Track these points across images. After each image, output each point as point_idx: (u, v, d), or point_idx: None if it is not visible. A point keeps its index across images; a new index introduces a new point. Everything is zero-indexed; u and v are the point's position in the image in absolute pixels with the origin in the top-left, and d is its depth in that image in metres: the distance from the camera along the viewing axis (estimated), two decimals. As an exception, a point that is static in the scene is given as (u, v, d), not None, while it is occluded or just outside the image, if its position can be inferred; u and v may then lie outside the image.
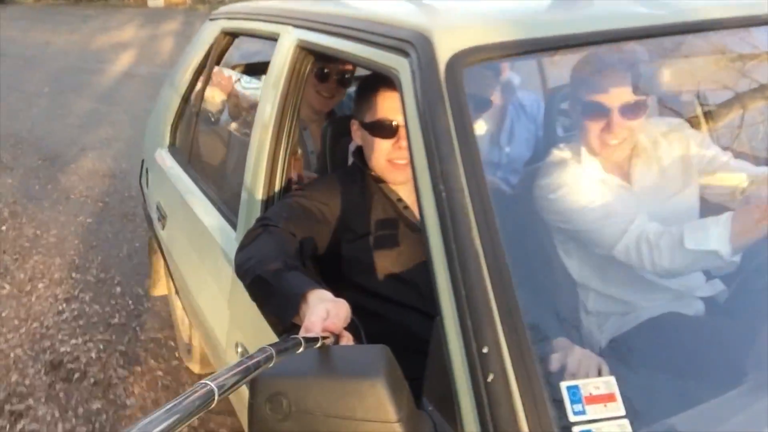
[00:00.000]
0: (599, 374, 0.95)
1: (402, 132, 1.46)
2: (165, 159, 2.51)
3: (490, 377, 0.83)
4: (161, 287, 3.11)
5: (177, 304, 2.91)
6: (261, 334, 1.55)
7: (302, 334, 0.98)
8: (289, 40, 1.65)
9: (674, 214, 1.57)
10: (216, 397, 0.66)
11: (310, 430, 0.86)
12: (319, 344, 0.90)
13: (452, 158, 1.00)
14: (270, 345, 0.82)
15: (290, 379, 0.87)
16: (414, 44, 1.15)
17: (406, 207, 1.54)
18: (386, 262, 1.48)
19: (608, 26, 1.21)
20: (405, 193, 1.56)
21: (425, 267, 1.47)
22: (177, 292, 2.52)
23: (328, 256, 1.50)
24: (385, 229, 1.51)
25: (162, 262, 2.99)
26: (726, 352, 1.27)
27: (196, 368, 2.74)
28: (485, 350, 0.85)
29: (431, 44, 1.13)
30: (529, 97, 2.35)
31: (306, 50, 1.60)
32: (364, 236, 1.50)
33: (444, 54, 1.11)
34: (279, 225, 1.39)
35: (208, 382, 0.67)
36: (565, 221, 1.54)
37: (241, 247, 1.40)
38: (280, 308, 1.14)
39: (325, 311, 1.01)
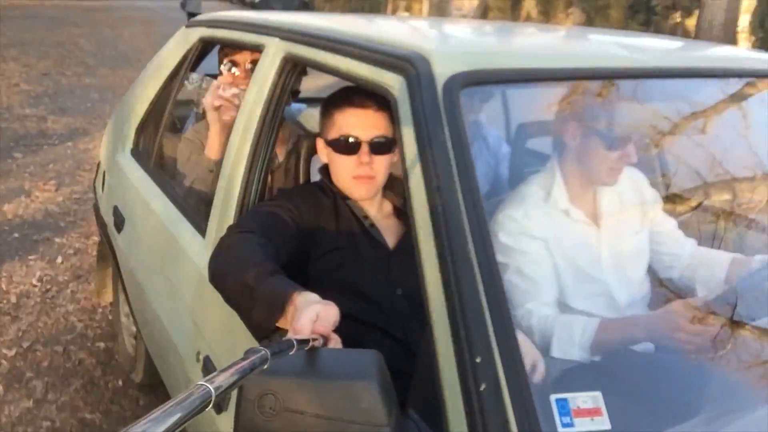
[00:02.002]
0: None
1: (364, 148, 1.50)
2: (127, 162, 2.46)
3: (483, 386, 0.85)
4: (107, 294, 3.02)
5: (123, 312, 2.83)
6: (227, 343, 1.53)
7: (291, 335, 0.98)
8: (275, 52, 1.67)
9: (630, 255, 1.65)
10: (213, 398, 0.66)
11: (298, 430, 0.86)
12: (309, 346, 0.91)
13: (450, 174, 1.03)
14: (264, 347, 0.82)
15: (280, 378, 0.87)
16: (412, 63, 1.18)
17: (372, 225, 1.56)
18: (350, 280, 1.49)
19: (601, 65, 1.28)
20: (371, 209, 1.58)
21: (388, 286, 1.51)
22: (127, 300, 2.45)
23: (295, 268, 1.50)
24: (350, 246, 1.52)
25: (110, 269, 2.91)
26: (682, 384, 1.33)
27: (138, 378, 2.65)
28: (478, 360, 0.87)
29: (429, 64, 1.17)
30: (492, 133, 2.42)
31: (292, 62, 1.62)
32: (330, 252, 1.51)
33: (442, 74, 1.14)
34: (254, 231, 1.39)
35: (205, 383, 0.66)
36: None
37: (217, 254, 1.38)
38: (264, 311, 1.14)
39: (314, 313, 1.01)
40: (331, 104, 1.57)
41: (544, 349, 1.38)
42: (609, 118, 1.56)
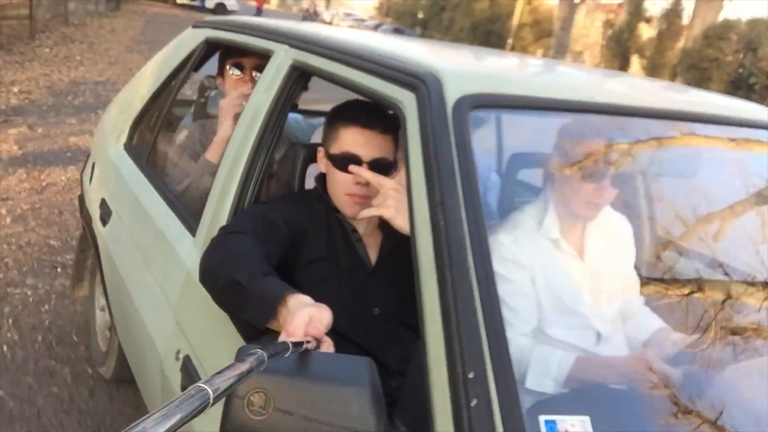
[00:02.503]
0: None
1: (364, 168, 1.49)
2: (120, 156, 2.44)
3: (474, 402, 0.85)
4: (83, 289, 2.98)
5: (98, 306, 2.79)
6: (209, 343, 1.52)
7: (284, 338, 0.98)
8: (283, 58, 1.68)
9: (609, 295, 1.67)
10: (211, 400, 0.66)
11: (287, 431, 0.85)
12: (302, 348, 0.91)
13: (454, 192, 1.04)
14: (260, 348, 0.82)
15: (272, 378, 0.87)
16: (424, 80, 1.20)
17: (359, 239, 1.56)
18: (331, 293, 1.49)
19: (609, 100, 1.31)
20: (361, 227, 1.58)
21: (366, 304, 1.51)
22: (105, 293, 2.42)
23: (282, 272, 1.49)
24: (335, 258, 1.52)
25: (89, 261, 2.88)
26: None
27: (108, 374, 2.61)
28: (471, 375, 0.87)
29: (441, 83, 1.19)
30: (482, 162, 2.45)
31: (300, 70, 1.63)
32: (315, 261, 1.51)
33: (453, 94, 1.16)
34: (247, 233, 1.38)
35: (203, 385, 0.66)
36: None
37: (209, 253, 1.37)
38: (256, 312, 1.13)
39: (307, 316, 1.01)
40: (337, 118, 1.56)
41: (519, 379, 1.39)
42: (587, 152, 1.58)
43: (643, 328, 1.70)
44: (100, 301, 2.74)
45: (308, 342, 0.95)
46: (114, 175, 2.41)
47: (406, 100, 1.22)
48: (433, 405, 0.90)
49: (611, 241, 1.73)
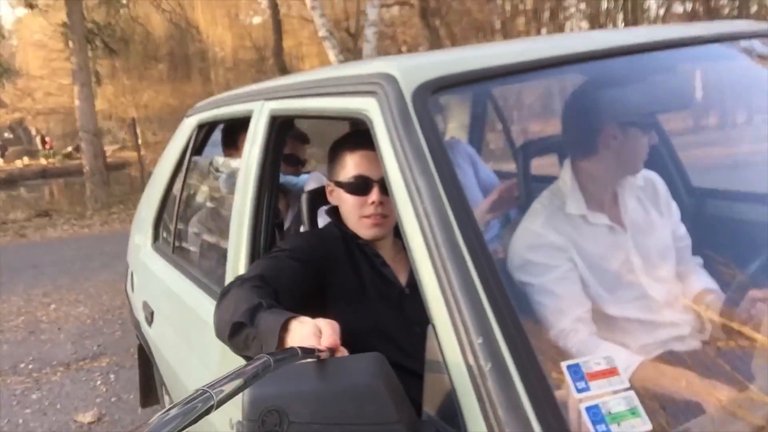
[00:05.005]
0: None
1: (375, 188, 1.50)
2: (149, 255, 2.52)
3: (488, 366, 0.82)
4: (152, 399, 3.00)
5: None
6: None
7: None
8: (262, 112, 1.73)
9: (658, 254, 1.59)
10: (215, 404, 0.65)
11: (310, 444, 0.83)
12: (315, 356, 0.89)
13: (429, 175, 1.03)
14: (268, 354, 0.81)
15: (286, 394, 0.85)
16: (380, 83, 1.21)
17: (384, 263, 1.55)
18: (366, 320, 1.47)
19: (557, 53, 1.29)
20: (383, 249, 1.57)
21: (404, 323, 1.47)
22: (167, 393, 2.44)
23: (307, 311, 1.48)
24: (363, 286, 1.51)
25: (152, 371, 2.91)
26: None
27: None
28: (479, 341, 0.84)
29: (396, 81, 1.19)
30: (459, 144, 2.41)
31: (279, 117, 1.67)
32: (343, 293, 1.49)
33: (409, 85, 1.17)
34: (251, 278, 1.37)
35: (206, 389, 0.66)
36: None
37: (217, 306, 1.36)
38: (262, 345, 1.11)
39: (315, 327, 0.99)
40: (341, 147, 1.58)
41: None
42: (635, 103, 1.53)
43: (693, 288, 1.61)
44: (168, 403, 2.77)
45: (322, 352, 0.92)
46: (148, 274, 2.48)
47: (370, 107, 1.23)
48: (452, 376, 0.87)
49: (648, 201, 1.66)
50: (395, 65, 1.25)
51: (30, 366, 4.26)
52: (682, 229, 1.66)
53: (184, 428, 0.62)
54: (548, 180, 1.69)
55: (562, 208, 1.56)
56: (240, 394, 0.85)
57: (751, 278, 1.46)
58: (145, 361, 2.89)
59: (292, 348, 0.85)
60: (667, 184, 1.70)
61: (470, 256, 0.91)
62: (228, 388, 0.69)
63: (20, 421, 3.46)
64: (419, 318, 1.47)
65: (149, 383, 2.96)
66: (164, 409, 0.60)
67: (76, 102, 12.02)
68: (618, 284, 1.54)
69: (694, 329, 1.55)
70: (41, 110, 22.61)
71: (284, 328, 1.06)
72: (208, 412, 0.64)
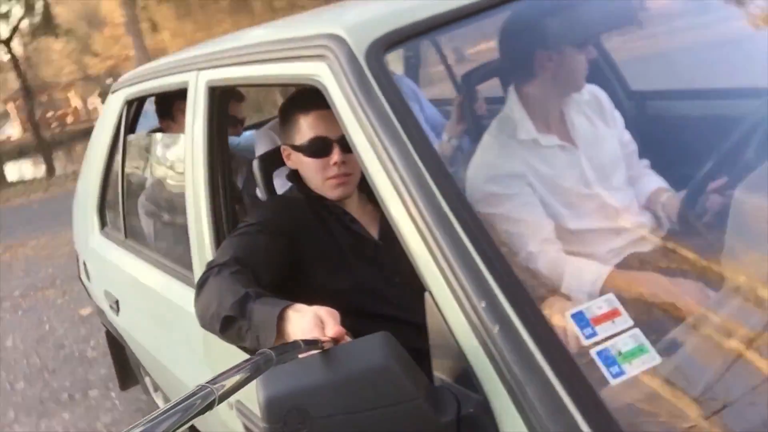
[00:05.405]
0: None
1: (336, 147, 1.46)
2: (100, 243, 2.42)
3: (496, 328, 0.83)
4: (132, 380, 2.96)
5: (152, 390, 2.79)
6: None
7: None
8: (198, 84, 1.64)
9: (606, 163, 1.63)
10: (216, 400, 0.65)
11: (336, 433, 0.84)
12: (318, 347, 0.88)
13: (397, 136, 1.01)
14: (270, 348, 0.80)
15: (301, 391, 0.85)
16: (329, 46, 1.16)
17: (353, 220, 1.53)
18: (347, 279, 1.47)
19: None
20: (351, 207, 1.55)
21: (384, 276, 1.48)
22: (146, 373, 2.42)
23: (288, 282, 1.46)
24: (337, 247, 1.49)
25: (125, 354, 2.86)
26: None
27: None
28: (483, 304, 0.85)
29: (345, 42, 1.14)
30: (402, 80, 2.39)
31: (218, 88, 1.59)
32: (320, 257, 1.48)
33: (360, 47, 1.12)
34: (227, 263, 1.33)
35: (208, 384, 0.65)
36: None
37: (196, 298, 1.33)
38: (259, 338, 1.10)
39: (315, 317, 0.98)
40: (292, 109, 1.51)
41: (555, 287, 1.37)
42: (567, 24, 1.53)
43: (646, 190, 1.67)
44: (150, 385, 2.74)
45: (326, 342, 0.92)
46: (103, 263, 2.40)
47: (320, 72, 1.18)
48: (461, 345, 0.88)
49: (594, 114, 1.69)
50: (340, 24, 1.19)
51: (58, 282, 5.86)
52: (627, 136, 1.71)
53: (185, 424, 0.61)
54: (496, 101, 1.70)
55: (513, 135, 1.58)
56: (256, 402, 0.85)
57: (706, 174, 1.53)
58: (116, 345, 2.84)
59: (295, 342, 0.84)
60: (608, 93, 1.74)
61: (458, 222, 0.91)
62: (229, 383, 0.69)
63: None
64: (397, 268, 1.48)
65: (124, 367, 2.92)
66: (165, 405, 0.60)
67: (133, 52, 11.45)
68: (576, 199, 1.59)
69: (653, 229, 1.63)
70: (129, 56, 21.84)
71: (281, 317, 1.05)
72: (209, 407, 0.63)
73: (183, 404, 0.61)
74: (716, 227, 1.38)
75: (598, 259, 1.55)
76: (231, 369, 0.71)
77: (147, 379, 2.70)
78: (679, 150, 1.78)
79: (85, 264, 2.71)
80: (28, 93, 17.46)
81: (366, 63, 1.10)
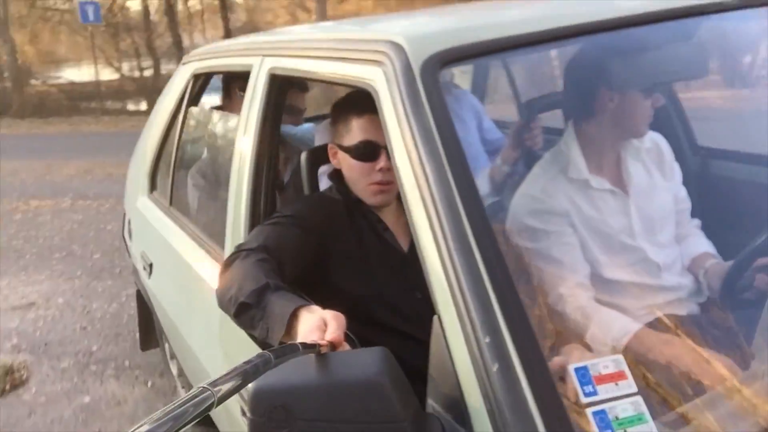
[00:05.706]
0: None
1: (383, 154, 1.45)
2: (146, 206, 2.49)
3: (495, 366, 0.81)
4: (152, 342, 3.03)
5: (169, 356, 2.85)
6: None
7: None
8: (261, 69, 1.66)
9: (656, 217, 1.58)
10: (216, 402, 0.65)
11: (315, 440, 0.83)
12: (316, 351, 0.88)
13: (436, 155, 1.00)
14: (268, 350, 0.80)
15: (290, 389, 0.84)
16: (387, 53, 1.16)
17: (386, 228, 1.52)
18: (368, 286, 1.46)
19: (571, 22, 1.23)
20: (387, 216, 1.54)
21: (406, 289, 1.47)
22: (166, 340, 2.47)
23: (310, 277, 1.47)
24: (365, 252, 1.49)
25: (152, 316, 2.93)
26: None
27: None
28: (487, 340, 0.83)
29: (404, 51, 1.14)
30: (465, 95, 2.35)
31: (278, 77, 1.61)
32: (346, 259, 1.48)
33: (418, 58, 1.12)
34: (255, 249, 1.35)
35: (206, 386, 0.65)
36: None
37: (220, 279, 1.35)
38: (268, 330, 1.11)
39: (320, 320, 0.98)
40: (346, 109, 1.52)
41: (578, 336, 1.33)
42: (635, 67, 1.48)
43: (691, 252, 1.61)
44: (167, 352, 2.80)
45: (323, 345, 0.92)
46: (145, 225, 2.46)
47: (375, 77, 1.18)
48: (458, 375, 0.86)
49: (652, 164, 1.63)
50: (402, 33, 1.19)
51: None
52: (683, 192, 1.65)
53: (183, 426, 0.61)
54: (556, 132, 1.66)
55: (563, 171, 1.54)
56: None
57: (757, 248, 1.46)
58: (144, 306, 2.91)
59: (293, 344, 0.84)
60: (672, 145, 1.68)
61: (480, 252, 0.89)
62: (228, 385, 0.69)
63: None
64: (421, 282, 1.47)
65: (148, 327, 2.99)
66: (164, 407, 0.60)
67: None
68: (617, 248, 1.54)
69: (692, 292, 1.56)
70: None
71: (294, 315, 1.05)
72: (208, 410, 0.63)
73: (183, 407, 0.61)
74: (757, 306, 1.31)
75: (629, 314, 1.50)
76: (230, 371, 0.72)
77: (167, 345, 2.76)
78: (734, 216, 1.71)
79: (129, 222, 2.79)
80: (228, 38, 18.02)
81: (420, 75, 1.09)
